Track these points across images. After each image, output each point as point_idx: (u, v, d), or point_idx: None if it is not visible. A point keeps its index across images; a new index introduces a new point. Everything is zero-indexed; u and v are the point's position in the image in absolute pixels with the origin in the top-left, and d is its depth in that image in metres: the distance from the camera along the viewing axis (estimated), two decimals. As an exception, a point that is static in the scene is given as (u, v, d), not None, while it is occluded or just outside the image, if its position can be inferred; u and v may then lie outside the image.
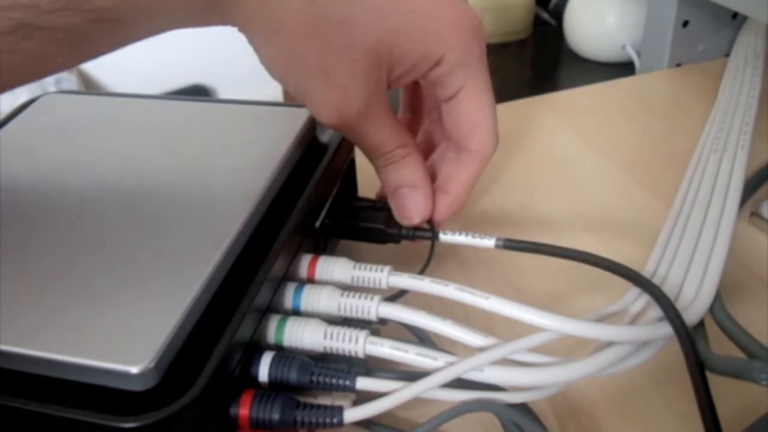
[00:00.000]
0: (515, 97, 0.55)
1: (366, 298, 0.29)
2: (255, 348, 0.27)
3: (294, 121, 0.35)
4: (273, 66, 0.28)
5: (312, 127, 0.35)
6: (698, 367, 0.26)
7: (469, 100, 0.32)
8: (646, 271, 0.33)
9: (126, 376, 0.23)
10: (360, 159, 0.38)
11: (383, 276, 0.30)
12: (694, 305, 0.30)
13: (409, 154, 0.32)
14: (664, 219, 0.37)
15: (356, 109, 0.29)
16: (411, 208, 0.33)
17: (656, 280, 0.31)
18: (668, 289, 0.30)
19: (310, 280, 0.30)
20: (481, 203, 0.43)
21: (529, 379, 0.26)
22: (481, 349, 0.27)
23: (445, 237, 0.33)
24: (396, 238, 0.34)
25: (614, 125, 0.51)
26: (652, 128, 0.51)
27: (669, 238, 0.35)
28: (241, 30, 0.27)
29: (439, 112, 0.34)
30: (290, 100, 0.35)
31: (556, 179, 0.45)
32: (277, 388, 0.26)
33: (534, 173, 0.46)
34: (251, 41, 0.27)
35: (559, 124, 0.51)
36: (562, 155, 0.48)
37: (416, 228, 0.34)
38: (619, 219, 0.41)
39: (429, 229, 0.34)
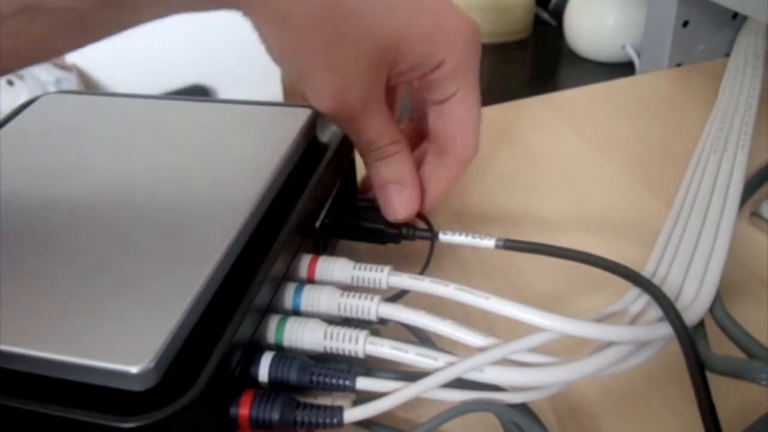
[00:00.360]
0: (515, 97, 0.55)
1: (366, 298, 0.28)
2: (255, 348, 0.27)
3: (294, 122, 0.35)
4: (278, 52, 0.28)
5: (312, 127, 0.35)
6: (698, 367, 0.26)
7: (460, 106, 0.32)
8: (646, 272, 0.33)
9: (126, 376, 0.23)
10: (360, 159, 0.38)
11: (383, 276, 0.30)
12: (694, 305, 0.30)
13: (400, 151, 0.32)
14: (664, 219, 0.37)
15: (356, 100, 0.29)
16: (398, 204, 0.33)
17: (656, 281, 0.31)
18: (668, 290, 0.30)
19: (310, 280, 0.30)
20: (481, 203, 0.43)
21: (529, 379, 0.26)
22: (481, 349, 0.27)
23: (444, 237, 0.33)
24: (396, 238, 0.34)
25: (614, 125, 0.51)
26: (652, 128, 0.50)
27: (669, 238, 0.35)
28: (245, 15, 0.27)
29: (422, 113, 0.35)
30: (290, 100, 0.35)
31: (556, 179, 0.45)
32: (277, 388, 0.26)
33: (534, 173, 0.46)
34: (256, 27, 0.27)
35: (559, 124, 0.51)
36: (562, 155, 0.48)
37: (416, 228, 0.34)
38: (619, 219, 0.41)
39: (428, 230, 0.34)
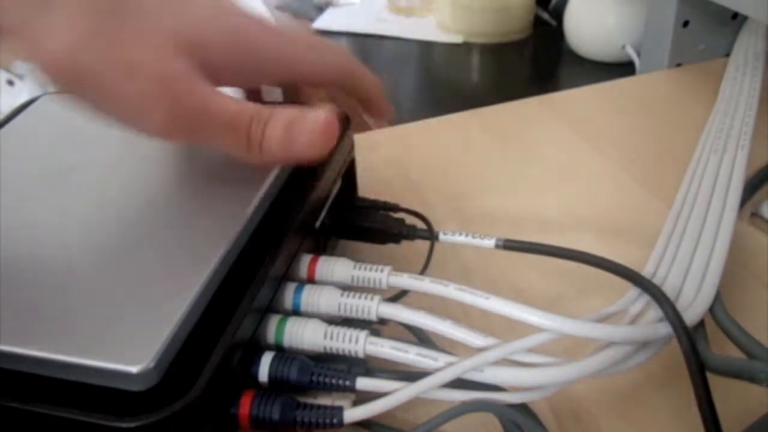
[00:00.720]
0: (515, 97, 0.55)
1: (366, 298, 0.28)
2: (255, 348, 0.27)
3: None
4: (71, 75, 0.26)
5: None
6: (698, 367, 0.26)
7: (297, 55, 0.32)
8: (646, 272, 0.33)
9: (126, 376, 0.23)
10: (360, 158, 0.38)
11: (383, 276, 0.30)
12: (694, 305, 0.30)
13: (271, 112, 0.28)
14: (664, 219, 0.37)
15: (181, 94, 0.27)
16: (307, 136, 0.28)
17: (656, 281, 0.31)
18: (668, 290, 0.30)
19: (310, 280, 0.30)
20: (481, 203, 0.43)
21: (528, 380, 0.26)
22: (481, 350, 0.27)
23: (444, 237, 0.33)
24: (396, 238, 0.34)
25: (614, 125, 0.51)
26: (652, 128, 0.51)
27: (669, 238, 0.35)
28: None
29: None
30: (289, 97, 0.35)
31: (556, 179, 0.45)
32: (277, 388, 0.26)
33: (534, 173, 0.46)
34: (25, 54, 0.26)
35: (559, 124, 0.52)
36: (562, 155, 0.48)
37: (416, 228, 0.34)
38: (619, 219, 0.41)
39: (428, 230, 0.34)
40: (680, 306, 0.29)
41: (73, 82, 0.26)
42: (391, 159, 0.48)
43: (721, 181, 0.38)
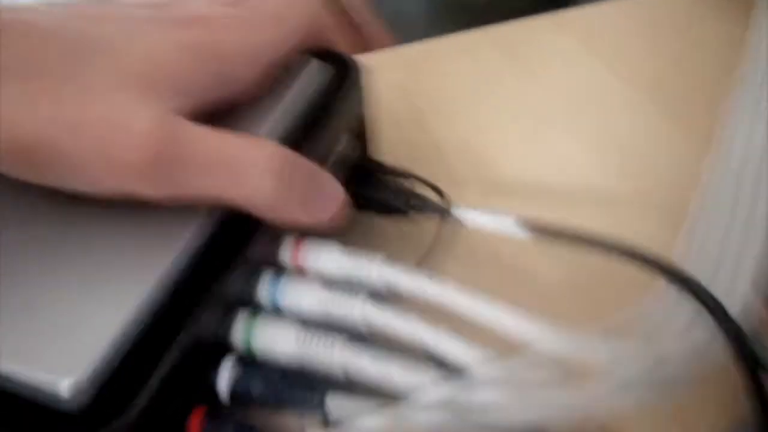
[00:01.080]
0: (521, 15, 0.49)
1: (351, 297, 0.24)
2: (215, 354, 0.23)
3: (291, 73, 0.30)
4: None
5: (314, 80, 0.30)
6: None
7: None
8: (677, 252, 0.27)
9: (53, 392, 0.20)
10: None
11: (372, 268, 0.25)
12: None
13: (277, 151, 0.25)
14: (694, 157, 0.30)
15: (172, 129, 0.24)
16: (333, 200, 0.27)
17: (690, 263, 0.26)
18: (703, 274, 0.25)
19: (293, 266, 0.26)
20: (488, 144, 0.38)
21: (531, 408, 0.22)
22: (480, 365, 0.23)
23: (457, 213, 0.29)
24: (403, 210, 0.30)
25: (637, 49, 0.45)
26: (679, 52, 0.44)
27: (703, 205, 0.28)
28: None
29: None
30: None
31: (570, 112, 0.40)
32: (238, 402, 0.23)
33: (544, 105, 0.41)
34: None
35: (573, 46, 0.45)
36: (575, 84, 0.42)
37: (425, 200, 0.30)
38: (646, 162, 0.36)
39: (440, 205, 0.29)
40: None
41: (19, 160, 0.23)
42: (395, 83, 0.43)
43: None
